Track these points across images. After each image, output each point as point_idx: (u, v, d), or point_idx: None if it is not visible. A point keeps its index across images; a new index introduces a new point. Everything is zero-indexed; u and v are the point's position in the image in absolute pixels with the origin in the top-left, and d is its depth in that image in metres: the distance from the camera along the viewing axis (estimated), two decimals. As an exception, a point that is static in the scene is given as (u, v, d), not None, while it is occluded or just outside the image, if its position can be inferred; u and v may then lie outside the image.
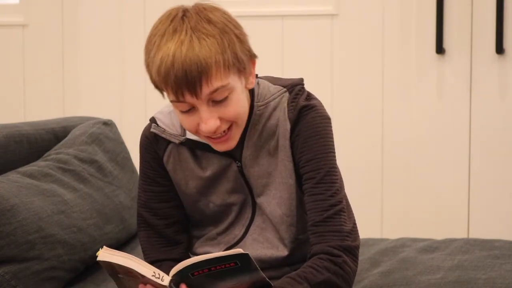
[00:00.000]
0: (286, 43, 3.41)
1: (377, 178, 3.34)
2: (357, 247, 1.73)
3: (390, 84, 3.30)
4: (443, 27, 3.20)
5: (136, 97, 3.56)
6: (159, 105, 1.88)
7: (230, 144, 1.69)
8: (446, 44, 3.22)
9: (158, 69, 1.59)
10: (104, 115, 2.94)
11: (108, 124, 2.53)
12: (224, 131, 1.67)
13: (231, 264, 1.54)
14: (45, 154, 2.33)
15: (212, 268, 1.54)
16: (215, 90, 1.60)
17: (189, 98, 1.60)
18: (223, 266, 1.54)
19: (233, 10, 3.82)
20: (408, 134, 3.30)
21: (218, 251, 1.74)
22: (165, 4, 3.91)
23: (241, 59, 1.63)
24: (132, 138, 3.21)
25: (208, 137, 1.68)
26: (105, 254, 1.60)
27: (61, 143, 2.38)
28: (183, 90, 1.59)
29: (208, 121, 1.62)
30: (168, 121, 1.77)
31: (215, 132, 1.65)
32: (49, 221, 2.03)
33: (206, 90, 1.59)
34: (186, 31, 1.59)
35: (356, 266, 1.73)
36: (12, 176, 2.13)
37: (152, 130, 1.78)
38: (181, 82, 1.58)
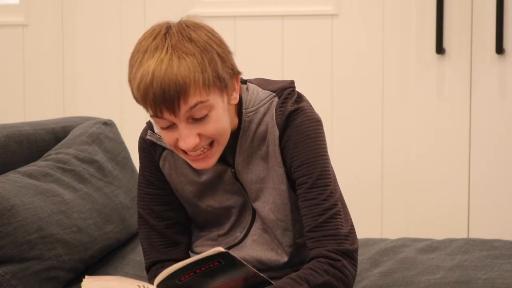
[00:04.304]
0: (286, 43, 3.41)
1: (377, 178, 3.34)
2: (355, 250, 1.71)
3: (390, 84, 3.30)
4: (443, 27, 3.20)
5: (136, 97, 3.56)
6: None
7: (208, 162, 1.67)
8: (446, 44, 3.22)
9: (138, 86, 1.59)
10: (104, 115, 2.94)
11: (108, 124, 2.52)
12: (204, 148, 1.65)
13: (215, 264, 1.54)
14: (45, 154, 2.33)
15: (198, 270, 1.54)
16: (193, 107, 1.59)
17: (167, 115, 1.60)
18: (207, 267, 1.53)
19: (233, 10, 3.82)
20: (408, 134, 3.29)
21: None
22: (165, 5, 3.89)
23: (222, 77, 1.61)
24: (132, 138, 3.20)
25: (185, 154, 1.66)
26: (88, 283, 1.60)
27: (61, 143, 2.38)
28: (161, 108, 1.58)
29: (187, 138, 1.62)
30: None
31: (194, 148, 1.63)
32: (49, 221, 2.03)
33: (183, 108, 1.58)
34: (167, 49, 1.58)
35: (355, 270, 1.71)
36: (12, 176, 2.13)
37: (148, 137, 1.78)
38: (159, 100, 1.57)
